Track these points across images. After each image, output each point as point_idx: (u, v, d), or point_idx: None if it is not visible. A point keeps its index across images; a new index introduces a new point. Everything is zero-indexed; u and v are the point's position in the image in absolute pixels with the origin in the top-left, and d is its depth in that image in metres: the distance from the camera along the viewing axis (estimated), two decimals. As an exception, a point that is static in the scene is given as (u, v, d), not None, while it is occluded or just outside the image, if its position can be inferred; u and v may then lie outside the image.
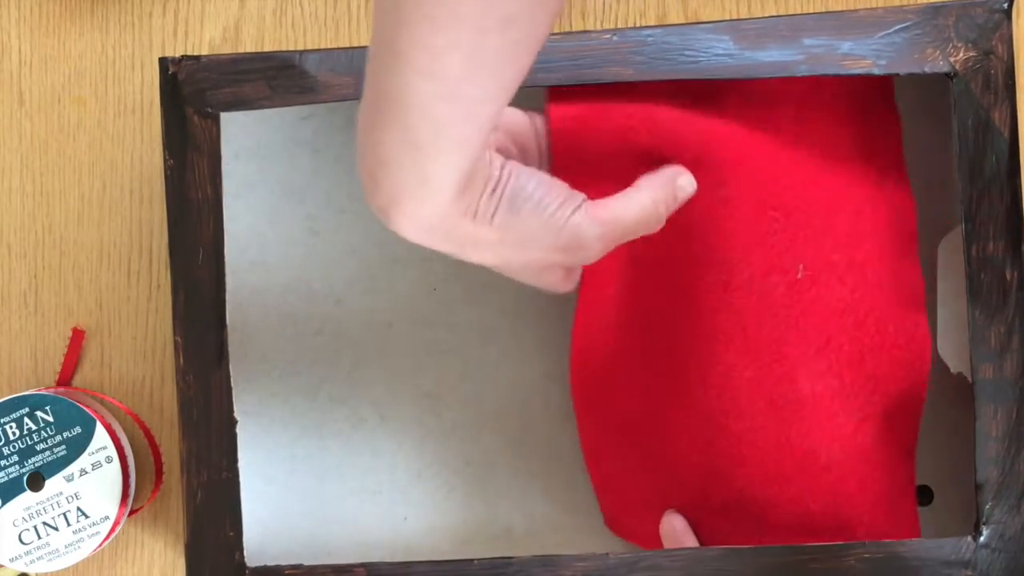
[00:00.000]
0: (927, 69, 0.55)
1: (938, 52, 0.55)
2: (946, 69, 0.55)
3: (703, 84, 0.55)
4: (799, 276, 0.56)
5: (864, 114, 0.58)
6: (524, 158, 0.54)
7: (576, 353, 0.60)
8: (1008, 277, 0.55)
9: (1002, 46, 0.55)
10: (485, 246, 0.50)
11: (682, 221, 0.55)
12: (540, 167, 0.54)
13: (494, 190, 0.49)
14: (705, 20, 0.63)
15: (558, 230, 0.50)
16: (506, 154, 0.53)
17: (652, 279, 0.58)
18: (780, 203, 0.56)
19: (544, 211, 0.50)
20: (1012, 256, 0.55)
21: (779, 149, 0.56)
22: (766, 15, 0.63)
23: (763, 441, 0.57)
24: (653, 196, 0.53)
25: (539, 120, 0.55)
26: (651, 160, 0.55)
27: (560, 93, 0.55)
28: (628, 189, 0.53)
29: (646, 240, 0.54)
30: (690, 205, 0.55)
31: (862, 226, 0.57)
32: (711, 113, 0.56)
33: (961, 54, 0.55)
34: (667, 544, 0.59)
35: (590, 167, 0.55)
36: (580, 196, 0.52)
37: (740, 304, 0.56)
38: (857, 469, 0.57)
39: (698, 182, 0.55)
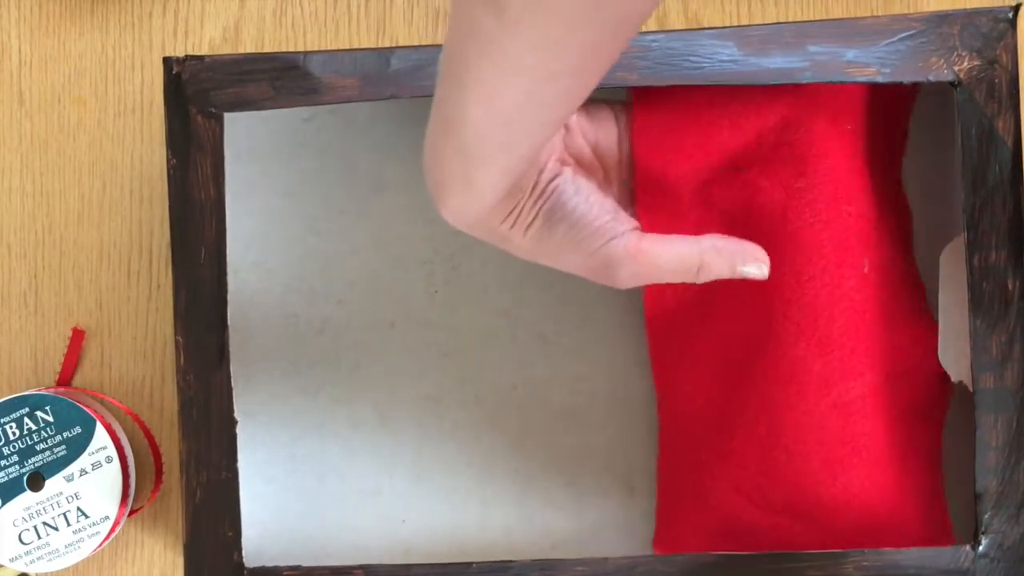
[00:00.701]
0: (931, 77, 0.54)
1: (942, 61, 0.55)
2: (950, 78, 0.54)
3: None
4: (865, 271, 0.56)
5: (891, 122, 0.58)
6: (600, 152, 0.55)
7: (652, 341, 0.60)
8: (1010, 287, 0.55)
9: (1006, 55, 0.54)
10: (520, 252, 0.52)
11: (757, 210, 0.55)
12: (618, 163, 0.55)
13: (536, 200, 0.51)
14: (705, 22, 0.62)
15: (588, 255, 0.52)
16: (578, 158, 0.54)
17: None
18: (854, 198, 0.56)
19: (578, 233, 0.51)
20: (1014, 266, 0.55)
21: (850, 146, 0.56)
22: (766, 17, 0.63)
23: (826, 437, 0.56)
24: (703, 258, 0.53)
25: (623, 116, 0.55)
26: (734, 166, 0.55)
27: (643, 94, 0.55)
28: (687, 237, 0.53)
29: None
30: (768, 194, 0.55)
31: (902, 228, 0.58)
32: (795, 105, 0.56)
33: (965, 63, 0.54)
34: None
35: (667, 177, 0.55)
36: (625, 225, 0.52)
37: (812, 296, 0.55)
38: (892, 468, 0.57)
39: (776, 173, 0.55)
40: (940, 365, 0.57)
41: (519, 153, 0.47)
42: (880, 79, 0.54)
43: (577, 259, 0.52)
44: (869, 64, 0.54)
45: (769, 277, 0.54)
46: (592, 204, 0.52)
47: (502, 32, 0.41)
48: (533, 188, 0.51)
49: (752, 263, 0.53)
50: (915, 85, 0.57)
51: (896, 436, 0.57)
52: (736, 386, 0.58)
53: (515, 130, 0.45)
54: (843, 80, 0.55)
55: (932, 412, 0.58)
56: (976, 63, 0.54)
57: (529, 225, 0.51)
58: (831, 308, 0.56)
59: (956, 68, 0.54)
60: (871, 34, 0.54)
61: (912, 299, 0.58)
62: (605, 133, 0.55)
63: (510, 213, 0.51)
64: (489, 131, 0.45)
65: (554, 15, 0.40)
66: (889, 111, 0.58)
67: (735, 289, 0.56)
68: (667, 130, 0.55)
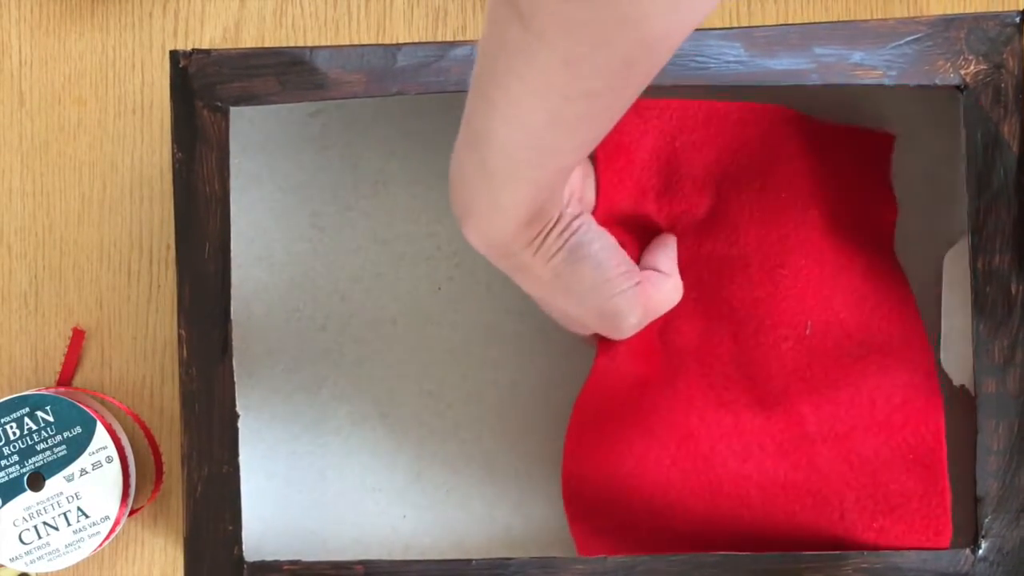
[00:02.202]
0: (937, 81, 0.53)
1: (949, 64, 0.53)
2: (956, 82, 0.53)
3: (708, 136, 0.55)
4: (807, 332, 0.55)
5: (865, 194, 0.58)
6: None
7: (579, 404, 0.59)
8: (1013, 291, 0.54)
9: (1013, 60, 0.53)
10: (535, 281, 0.51)
11: (694, 276, 0.56)
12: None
13: (562, 232, 0.50)
14: (706, 21, 0.61)
15: (605, 298, 0.51)
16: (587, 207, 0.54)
17: (661, 321, 0.57)
18: (787, 261, 0.55)
19: (600, 275, 0.51)
20: (1018, 270, 0.54)
21: (786, 207, 0.56)
22: (766, 16, 0.62)
23: (773, 484, 0.56)
24: (677, 287, 0.55)
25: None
26: (666, 218, 0.56)
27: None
28: (661, 276, 0.54)
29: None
30: (706, 260, 0.56)
31: (865, 287, 0.57)
32: (721, 179, 0.56)
33: (972, 67, 0.53)
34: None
35: (621, 214, 0.55)
36: (635, 276, 0.52)
37: (748, 356, 0.56)
38: (876, 519, 0.56)
39: (713, 239, 0.56)
40: (925, 414, 0.56)
41: (545, 176, 0.45)
42: (886, 82, 0.53)
43: (591, 302, 0.51)
44: (875, 67, 0.53)
45: (712, 335, 0.56)
46: (612, 252, 0.51)
47: (528, 45, 0.39)
48: (559, 220, 0.49)
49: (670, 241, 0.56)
50: (888, 147, 0.57)
51: (859, 490, 0.56)
52: (671, 442, 0.57)
53: (541, 151, 0.44)
54: (849, 82, 0.53)
55: (919, 462, 0.56)
56: (982, 67, 0.53)
57: (553, 256, 0.50)
58: (767, 366, 0.56)
59: (962, 72, 0.53)
60: (877, 37, 0.53)
61: (884, 353, 0.57)
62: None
63: (534, 239, 0.49)
64: (515, 150, 0.44)
65: (580, 32, 0.39)
66: (858, 179, 0.58)
67: (673, 344, 0.57)
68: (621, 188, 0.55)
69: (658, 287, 0.54)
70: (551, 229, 0.49)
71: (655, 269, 0.55)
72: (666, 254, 0.55)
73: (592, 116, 0.42)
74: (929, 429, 0.56)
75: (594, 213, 0.54)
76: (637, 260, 0.56)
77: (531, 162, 0.44)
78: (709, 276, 0.56)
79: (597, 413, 0.57)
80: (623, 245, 0.54)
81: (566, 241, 0.50)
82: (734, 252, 0.56)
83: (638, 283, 0.52)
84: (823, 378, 0.56)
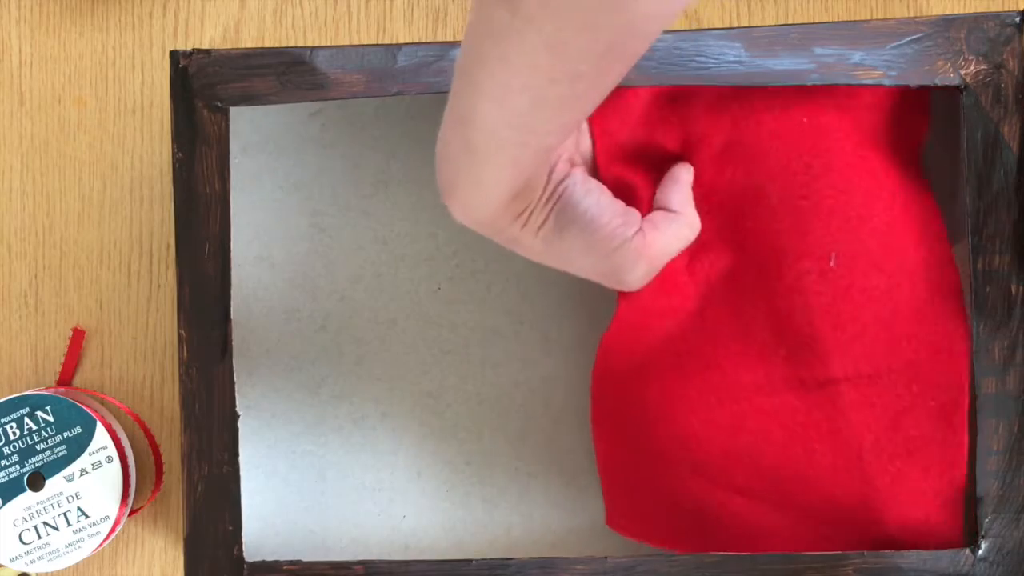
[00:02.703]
0: (938, 81, 0.53)
1: (949, 64, 0.53)
2: (956, 82, 0.53)
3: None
4: (832, 264, 0.53)
5: (897, 105, 0.55)
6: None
7: (607, 338, 0.57)
8: (1013, 291, 0.53)
9: (1013, 60, 0.53)
10: (529, 252, 0.50)
11: (714, 207, 0.54)
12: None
13: (547, 201, 0.49)
14: (705, 21, 0.61)
15: (602, 258, 0.50)
16: (586, 158, 0.52)
17: (687, 252, 0.56)
18: (810, 191, 0.53)
19: (590, 236, 0.50)
20: (1018, 271, 0.53)
21: (806, 137, 0.54)
22: (766, 16, 0.61)
23: (793, 422, 0.54)
24: (691, 223, 0.53)
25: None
26: (682, 142, 0.54)
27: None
28: (667, 216, 0.52)
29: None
30: (726, 191, 0.54)
31: (896, 215, 0.54)
32: (737, 105, 0.54)
33: (972, 67, 0.53)
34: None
35: (628, 150, 0.54)
36: (634, 224, 0.51)
37: (772, 287, 0.54)
38: (894, 461, 0.54)
39: (729, 173, 0.54)
40: (959, 355, 0.54)
41: (528, 154, 0.45)
42: (886, 82, 0.53)
43: (588, 262, 0.50)
44: (876, 67, 0.53)
45: (736, 265, 0.54)
46: (603, 206, 0.50)
47: (516, 28, 0.39)
48: (543, 189, 0.49)
49: (684, 171, 0.54)
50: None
51: (891, 431, 0.54)
52: (696, 373, 0.55)
53: (524, 131, 0.43)
54: (849, 82, 0.53)
55: (942, 408, 0.55)
56: (983, 67, 0.53)
57: (540, 227, 0.49)
58: (790, 299, 0.54)
59: (963, 72, 0.53)
60: (878, 37, 0.53)
61: (925, 285, 0.54)
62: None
63: (520, 214, 0.49)
64: (498, 129, 0.43)
65: (567, 15, 0.38)
66: (885, 98, 0.55)
67: (699, 279, 0.55)
68: (622, 121, 0.54)
69: (663, 230, 0.52)
70: (536, 202, 0.49)
71: (665, 208, 0.53)
72: (677, 189, 0.53)
73: (575, 98, 0.42)
74: (953, 382, 0.54)
75: (595, 151, 0.52)
76: (650, 198, 0.54)
77: (513, 141, 0.44)
78: (731, 207, 0.54)
79: (622, 348, 0.56)
80: (632, 186, 0.52)
81: (551, 210, 0.49)
82: (752, 182, 0.54)
83: (637, 232, 0.50)
84: (849, 316, 0.54)
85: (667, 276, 0.55)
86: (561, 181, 0.50)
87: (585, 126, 0.53)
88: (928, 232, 0.55)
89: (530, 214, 0.49)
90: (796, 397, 0.54)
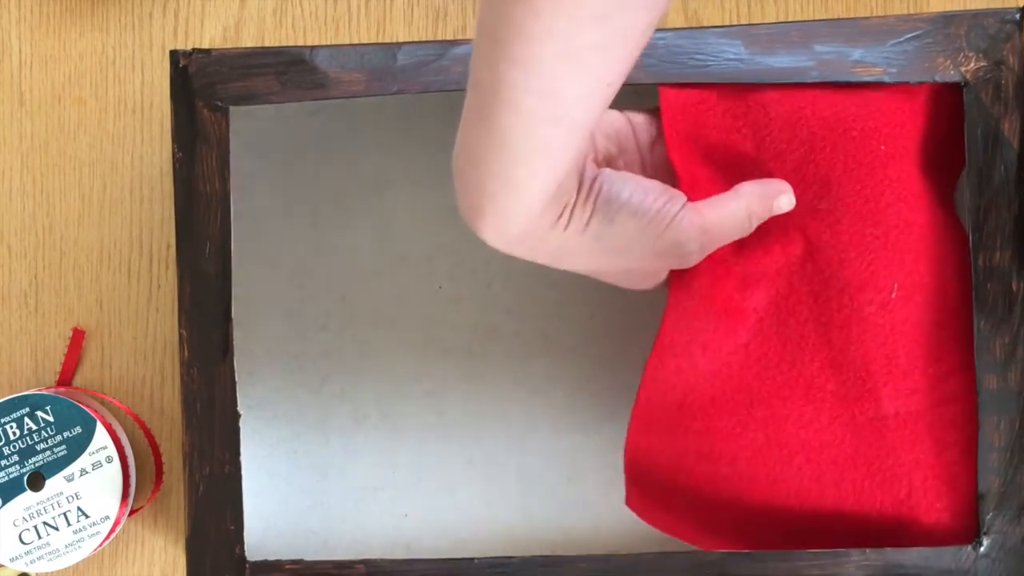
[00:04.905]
0: (937, 78, 0.51)
1: (949, 61, 0.51)
2: (957, 79, 0.51)
3: (810, 86, 0.51)
4: (893, 296, 0.51)
5: (942, 140, 0.53)
6: (624, 158, 0.50)
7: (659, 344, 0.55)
8: (1014, 288, 0.52)
9: (1013, 57, 0.51)
10: (578, 255, 0.47)
11: (778, 228, 0.52)
12: (641, 166, 0.50)
13: (587, 199, 0.46)
14: (705, 20, 0.59)
15: (656, 237, 0.47)
16: (606, 158, 0.49)
17: (739, 279, 0.53)
18: (881, 220, 0.51)
19: (642, 218, 0.47)
20: (1018, 267, 0.52)
21: (881, 168, 0.52)
22: (765, 15, 0.60)
23: (842, 457, 0.52)
24: (749, 208, 0.50)
25: (636, 118, 0.51)
26: (754, 161, 0.52)
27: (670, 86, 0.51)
28: (727, 194, 0.49)
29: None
30: (790, 214, 0.51)
31: (947, 248, 0.53)
32: (816, 123, 0.51)
33: (972, 64, 0.51)
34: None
35: (700, 151, 0.51)
36: (680, 199, 0.48)
37: (828, 317, 0.52)
38: (941, 499, 0.53)
39: (798, 193, 0.51)
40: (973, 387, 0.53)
41: (560, 136, 0.42)
42: (886, 79, 0.51)
43: (646, 245, 0.47)
44: (876, 64, 0.51)
45: (791, 293, 0.51)
46: (647, 188, 0.47)
47: None
48: (579, 188, 0.46)
49: (782, 196, 0.50)
50: (959, 94, 0.53)
51: (923, 462, 0.53)
52: (742, 407, 0.53)
53: (555, 105, 0.40)
54: (849, 80, 0.51)
55: (968, 443, 0.53)
56: (983, 64, 0.51)
57: (587, 223, 0.46)
58: (848, 330, 0.52)
59: (963, 69, 0.51)
60: (878, 34, 0.51)
61: (957, 326, 0.53)
62: (618, 127, 0.50)
63: (560, 216, 0.45)
64: (527, 103, 0.40)
65: None
66: (938, 130, 0.53)
67: (750, 301, 0.53)
68: (694, 112, 0.51)
69: (716, 205, 0.49)
70: (574, 200, 0.46)
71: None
72: (755, 184, 0.50)
73: (603, 49, 0.39)
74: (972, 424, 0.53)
75: (668, 150, 0.50)
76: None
77: (545, 117, 0.41)
78: (796, 230, 0.52)
79: (666, 375, 0.54)
80: (705, 183, 0.50)
81: (595, 203, 0.46)
82: (824, 206, 0.52)
83: (683, 207, 0.48)
84: (904, 350, 0.52)
85: (716, 302, 0.52)
86: (595, 178, 0.46)
87: (618, 123, 0.50)
88: (965, 266, 0.53)
89: (571, 214, 0.46)
90: (845, 433, 0.52)
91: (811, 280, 0.52)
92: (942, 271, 0.52)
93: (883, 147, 0.51)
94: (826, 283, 0.52)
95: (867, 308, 0.52)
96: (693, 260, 0.49)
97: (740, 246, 0.51)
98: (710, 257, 0.51)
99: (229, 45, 0.60)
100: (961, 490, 0.53)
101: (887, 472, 0.52)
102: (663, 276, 0.52)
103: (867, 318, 0.52)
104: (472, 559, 0.53)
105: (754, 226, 0.50)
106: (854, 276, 0.52)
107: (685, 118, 0.51)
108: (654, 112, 0.52)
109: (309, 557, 0.55)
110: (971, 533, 0.53)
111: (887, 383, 0.52)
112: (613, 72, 0.41)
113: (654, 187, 0.47)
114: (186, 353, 0.53)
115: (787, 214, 0.51)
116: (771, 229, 0.51)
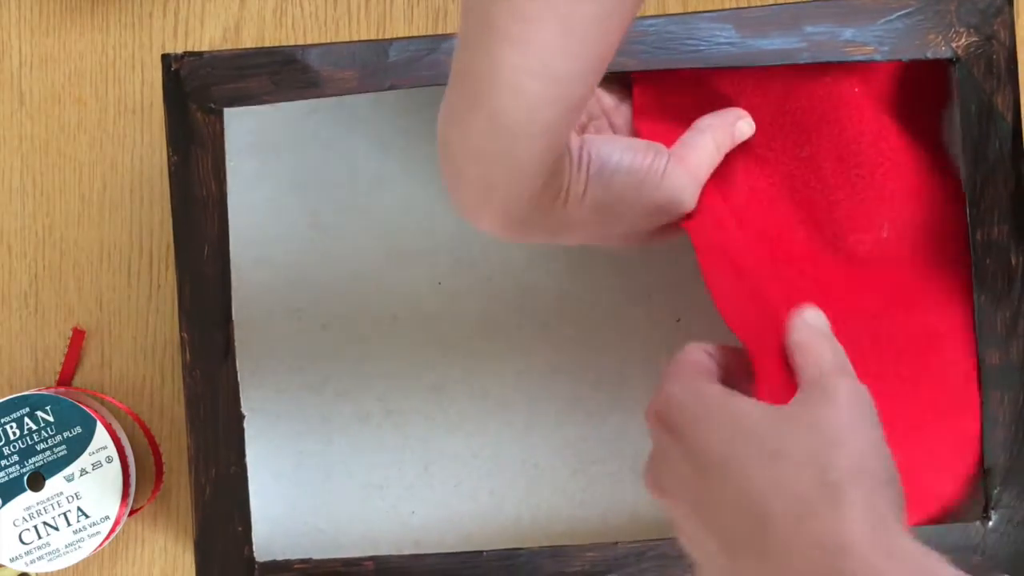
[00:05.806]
0: (929, 55, 0.51)
1: (940, 37, 0.51)
2: (948, 54, 0.51)
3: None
4: (884, 235, 0.51)
5: (915, 80, 0.53)
6: (594, 123, 0.50)
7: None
8: (1013, 262, 0.51)
9: (1004, 31, 0.51)
10: (578, 227, 0.46)
11: (765, 182, 0.51)
12: (611, 129, 0.51)
13: (579, 169, 0.45)
14: (700, 5, 0.59)
15: (652, 191, 0.47)
16: (580, 126, 0.49)
17: (739, 223, 0.52)
18: (864, 160, 0.51)
19: (636, 176, 0.46)
20: (1017, 241, 0.51)
21: (856, 107, 0.51)
22: (766, 3, 0.59)
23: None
24: (715, 139, 0.49)
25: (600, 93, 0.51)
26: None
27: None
28: (690, 132, 0.49)
29: (731, 190, 0.51)
30: (773, 165, 0.51)
31: (933, 185, 0.52)
32: (789, 72, 0.51)
33: (963, 39, 0.51)
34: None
35: (669, 113, 0.51)
36: (664, 151, 0.48)
37: (822, 259, 0.51)
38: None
39: (780, 144, 0.51)
40: (972, 342, 0.52)
41: (561, 118, 0.41)
42: (878, 57, 0.51)
43: (642, 205, 0.47)
44: (867, 43, 0.51)
45: (783, 247, 0.50)
46: (633, 147, 0.47)
47: None
48: (571, 159, 0.45)
49: (740, 121, 0.50)
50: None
51: (907, 417, 0.51)
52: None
53: (554, 85, 0.40)
54: (842, 59, 0.51)
55: (960, 397, 0.52)
56: (974, 39, 0.51)
57: (584, 193, 0.45)
58: (845, 272, 0.51)
59: (954, 45, 0.51)
60: (868, 13, 0.51)
61: (950, 264, 0.52)
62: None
63: (559, 193, 0.45)
64: (528, 86, 0.39)
65: None
66: (911, 68, 0.53)
67: (753, 247, 0.52)
68: (664, 113, 0.51)
69: (689, 146, 0.49)
70: (568, 171, 0.45)
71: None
72: (712, 116, 0.50)
73: (600, 24, 0.39)
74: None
75: (635, 124, 0.50)
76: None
77: (545, 98, 0.40)
78: (782, 178, 0.52)
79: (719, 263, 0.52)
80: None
81: (588, 172, 0.45)
82: (805, 153, 0.51)
83: (669, 156, 0.48)
84: (895, 294, 0.51)
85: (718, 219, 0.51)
86: (581, 147, 0.46)
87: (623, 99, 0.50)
88: (958, 199, 0.52)
89: (568, 188, 0.45)
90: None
91: (801, 227, 0.52)
92: (932, 207, 0.52)
93: (857, 89, 0.51)
94: (817, 227, 0.51)
95: (860, 247, 0.51)
96: (688, 207, 0.48)
97: (730, 198, 0.51)
98: (706, 218, 0.50)
99: (229, 45, 0.60)
100: (951, 424, 0.52)
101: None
102: (662, 232, 0.51)
103: (859, 258, 0.51)
104: (480, 552, 0.52)
105: (722, 156, 0.50)
106: (844, 218, 0.51)
107: (656, 85, 0.51)
108: (611, 75, 0.51)
109: (318, 556, 0.54)
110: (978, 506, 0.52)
111: (883, 317, 0.51)
112: (611, 44, 0.40)
113: (639, 144, 0.47)
114: (188, 356, 0.52)
115: (773, 164, 0.51)
116: (759, 182, 0.51)
